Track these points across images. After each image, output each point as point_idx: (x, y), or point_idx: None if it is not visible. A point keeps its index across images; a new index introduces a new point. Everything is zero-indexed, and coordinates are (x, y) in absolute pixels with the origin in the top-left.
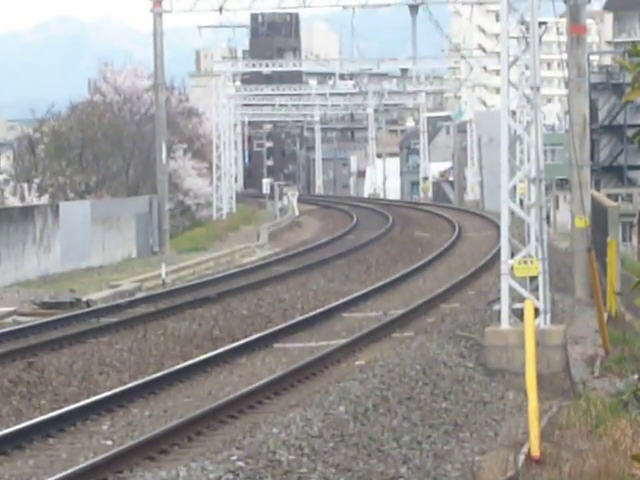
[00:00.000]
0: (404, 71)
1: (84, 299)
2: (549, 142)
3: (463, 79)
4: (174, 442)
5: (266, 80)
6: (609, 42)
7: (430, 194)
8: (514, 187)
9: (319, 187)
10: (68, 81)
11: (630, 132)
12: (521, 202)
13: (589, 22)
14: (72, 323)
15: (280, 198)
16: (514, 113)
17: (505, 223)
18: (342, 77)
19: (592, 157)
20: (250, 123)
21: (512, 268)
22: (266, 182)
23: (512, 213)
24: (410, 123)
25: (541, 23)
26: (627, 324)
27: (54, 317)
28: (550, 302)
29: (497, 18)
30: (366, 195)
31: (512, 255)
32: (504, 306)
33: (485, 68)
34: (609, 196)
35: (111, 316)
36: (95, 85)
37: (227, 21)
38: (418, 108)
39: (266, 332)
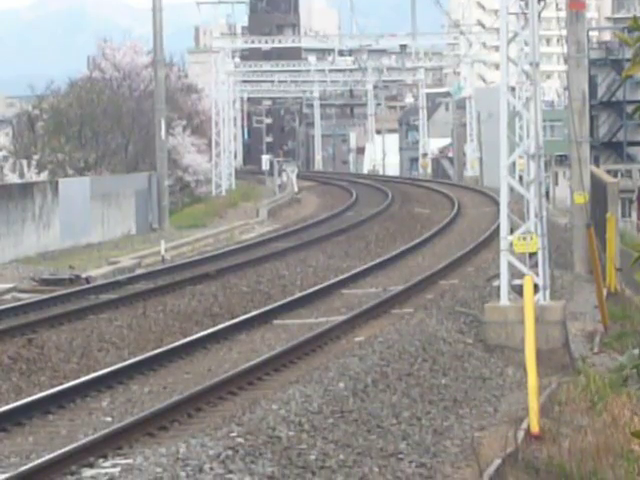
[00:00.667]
0: (403, 47)
1: (83, 276)
2: (548, 118)
3: (462, 55)
4: (174, 418)
5: (265, 56)
6: (608, 18)
7: (429, 170)
8: (513, 163)
9: (318, 163)
10: (67, 57)
11: (629, 108)
12: (520, 178)
13: None
14: (71, 300)
15: (279, 174)
16: (513, 89)
17: (504, 199)
18: (341, 53)
19: (591, 133)
20: (249, 99)
21: (511, 244)
22: (265, 158)
23: (511, 189)
24: (409, 99)
25: None
26: (627, 299)
27: (53, 294)
28: (549, 278)
29: None
30: (365, 171)
31: (511, 231)
32: (503, 282)
33: (484, 44)
34: (608, 172)
35: (110, 293)
36: (94, 61)
37: None
38: (417, 84)
39: (265, 308)
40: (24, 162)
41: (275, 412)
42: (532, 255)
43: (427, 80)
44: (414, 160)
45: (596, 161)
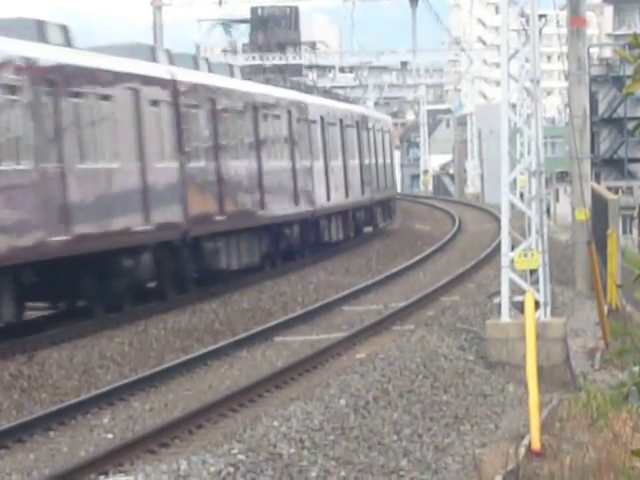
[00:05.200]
0: (404, 64)
1: None
2: (549, 135)
3: (463, 72)
4: (175, 435)
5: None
6: (609, 35)
7: (430, 187)
8: (514, 180)
9: None
10: None
11: (630, 125)
12: (521, 195)
13: (589, 14)
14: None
15: None
16: (514, 106)
17: (505, 216)
18: (342, 70)
19: (592, 150)
20: None
21: (512, 261)
22: None
23: (512, 206)
24: (410, 116)
25: (541, 15)
26: (628, 316)
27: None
28: (550, 295)
29: (497, 10)
30: None
31: (512, 248)
32: (504, 299)
33: (485, 61)
34: (609, 189)
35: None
36: None
37: (227, 14)
38: (418, 101)
39: (267, 325)
40: None
41: (276, 429)
42: (533, 272)
43: (428, 97)
44: (415, 177)
45: (597, 178)
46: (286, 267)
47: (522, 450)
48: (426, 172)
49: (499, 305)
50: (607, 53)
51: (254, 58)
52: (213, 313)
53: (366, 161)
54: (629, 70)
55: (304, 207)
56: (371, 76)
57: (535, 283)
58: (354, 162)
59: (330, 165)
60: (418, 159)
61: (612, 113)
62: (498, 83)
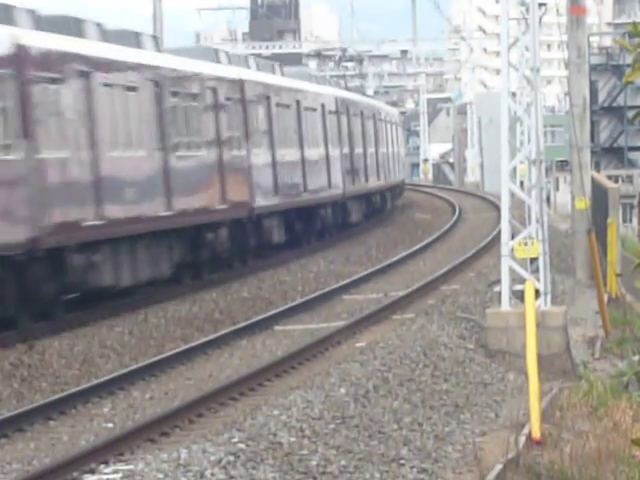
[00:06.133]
0: (404, 53)
1: None
2: (549, 123)
3: (463, 60)
4: (175, 424)
5: None
6: (609, 23)
7: (430, 176)
8: (514, 169)
9: None
10: None
11: (630, 113)
12: (521, 183)
13: (589, 3)
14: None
15: None
16: (514, 95)
17: (505, 204)
18: (341, 59)
19: (592, 138)
20: None
21: (512, 249)
22: None
23: (512, 194)
24: (410, 105)
25: (541, 4)
26: (627, 305)
27: None
28: (550, 283)
29: None
30: None
31: (512, 236)
32: (504, 288)
33: (485, 49)
34: (609, 177)
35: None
36: None
37: (227, 3)
38: (418, 90)
39: (267, 314)
40: None
41: (276, 418)
42: (533, 260)
43: (428, 85)
44: (415, 165)
45: (597, 166)
46: (286, 256)
47: (522, 439)
48: (426, 161)
49: (499, 294)
50: (607, 42)
51: (254, 47)
52: (213, 302)
53: (395, 149)
54: (629, 59)
55: (374, 183)
56: (371, 65)
57: (535, 272)
58: (390, 150)
59: (379, 152)
60: (418, 148)
61: (612, 102)
62: (498, 72)
